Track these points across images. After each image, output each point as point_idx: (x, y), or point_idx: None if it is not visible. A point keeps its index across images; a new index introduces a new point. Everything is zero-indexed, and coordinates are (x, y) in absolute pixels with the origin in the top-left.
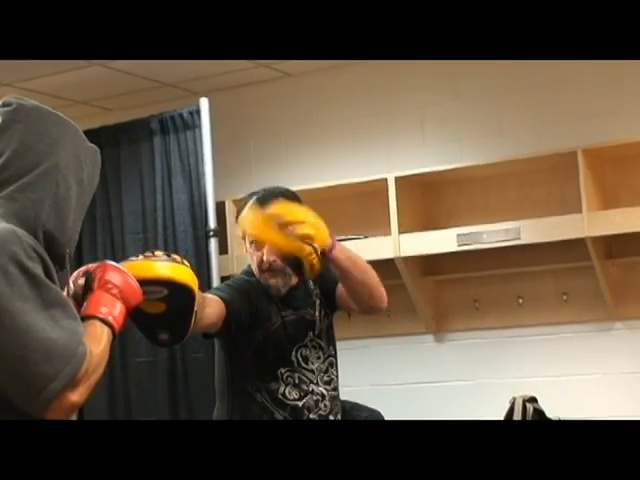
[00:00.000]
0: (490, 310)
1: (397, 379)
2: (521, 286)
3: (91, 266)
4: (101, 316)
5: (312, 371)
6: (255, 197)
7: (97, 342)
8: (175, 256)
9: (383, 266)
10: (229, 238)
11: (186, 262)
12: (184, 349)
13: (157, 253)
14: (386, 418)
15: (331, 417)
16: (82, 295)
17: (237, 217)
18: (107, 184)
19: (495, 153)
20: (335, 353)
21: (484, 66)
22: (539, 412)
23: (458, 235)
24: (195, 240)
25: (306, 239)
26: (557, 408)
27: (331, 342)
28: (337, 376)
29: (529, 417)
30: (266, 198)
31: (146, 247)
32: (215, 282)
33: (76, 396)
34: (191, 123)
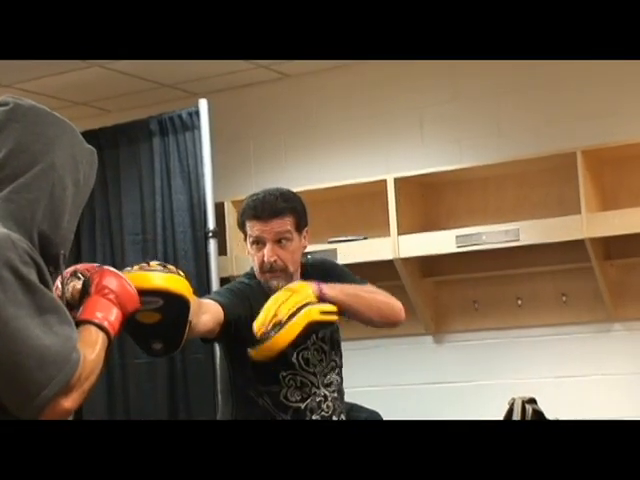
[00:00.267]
0: (489, 311)
1: (396, 380)
2: (520, 287)
3: (80, 266)
4: (96, 321)
5: (314, 374)
6: (254, 204)
7: (91, 348)
8: (170, 266)
9: (382, 267)
10: (228, 239)
11: (181, 272)
12: (184, 350)
13: (152, 264)
14: (385, 419)
15: (334, 418)
16: (79, 299)
17: (238, 218)
18: (106, 185)
19: (494, 154)
20: (340, 359)
21: (483, 67)
22: (538, 413)
23: (457, 236)
24: (194, 241)
25: (297, 308)
26: (556, 409)
27: (335, 348)
28: (340, 382)
29: (528, 418)
30: (265, 209)
31: (145, 248)
32: (214, 283)
33: (69, 402)
34: (190, 124)
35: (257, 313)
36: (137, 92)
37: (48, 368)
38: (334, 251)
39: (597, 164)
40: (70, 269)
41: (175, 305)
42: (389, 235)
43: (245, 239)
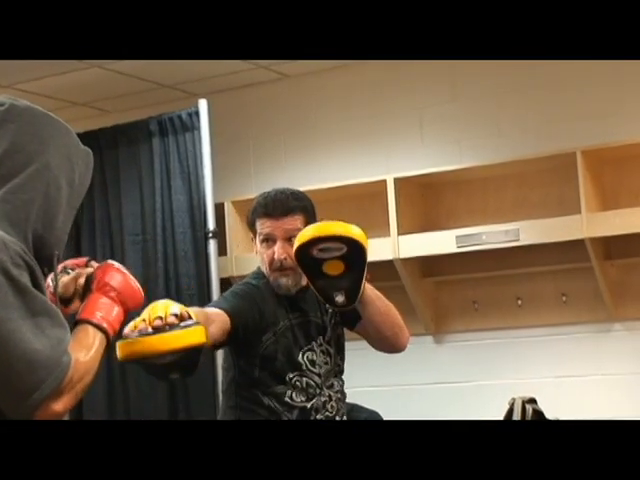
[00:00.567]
0: (489, 311)
1: (396, 380)
2: (520, 287)
3: (69, 262)
4: (95, 322)
5: (319, 375)
6: (265, 202)
7: (86, 349)
8: (182, 309)
9: (382, 267)
10: (228, 239)
11: (192, 313)
12: None
13: (169, 320)
14: (385, 419)
15: (337, 418)
16: (82, 295)
17: (248, 217)
18: (106, 186)
19: (494, 154)
20: (343, 364)
21: (483, 67)
22: (538, 413)
23: (457, 236)
24: (194, 241)
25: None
26: (556, 409)
27: (340, 352)
28: (342, 385)
29: (528, 418)
30: (277, 207)
31: (145, 249)
32: (214, 283)
33: (60, 405)
34: (190, 125)
35: (264, 314)
36: (137, 93)
37: (38, 371)
38: None
39: (597, 164)
40: (60, 264)
41: (193, 353)
42: (389, 235)
43: (253, 238)
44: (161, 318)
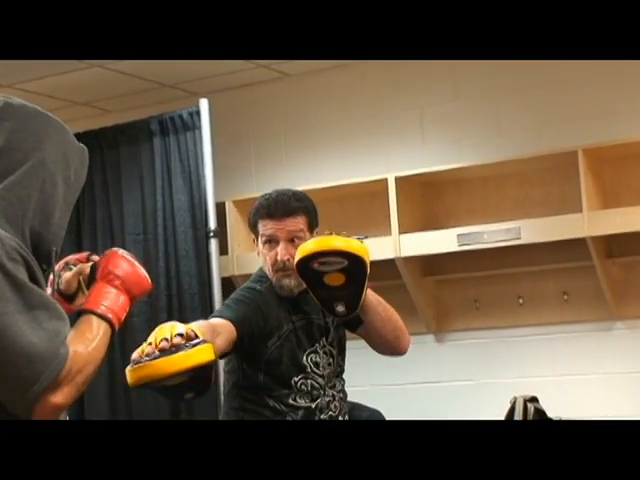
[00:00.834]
0: (490, 310)
1: (398, 379)
2: (521, 286)
3: (71, 257)
4: (98, 311)
5: (322, 376)
6: (267, 203)
7: (88, 340)
8: (189, 332)
9: (383, 266)
10: (229, 239)
11: (197, 331)
12: None
13: (175, 341)
14: (387, 418)
15: (340, 418)
16: (87, 285)
17: (250, 218)
18: (107, 185)
19: (495, 153)
20: (344, 364)
21: (484, 66)
22: (540, 412)
23: (458, 235)
24: (195, 241)
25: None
26: (558, 408)
27: (342, 353)
28: (343, 384)
29: (530, 417)
30: (279, 208)
31: (146, 248)
32: (215, 283)
33: (59, 397)
34: (191, 124)
35: (268, 319)
36: (138, 92)
37: (36, 364)
38: None
39: (598, 162)
40: (62, 261)
41: (203, 371)
42: (390, 234)
43: (255, 239)
44: (167, 340)
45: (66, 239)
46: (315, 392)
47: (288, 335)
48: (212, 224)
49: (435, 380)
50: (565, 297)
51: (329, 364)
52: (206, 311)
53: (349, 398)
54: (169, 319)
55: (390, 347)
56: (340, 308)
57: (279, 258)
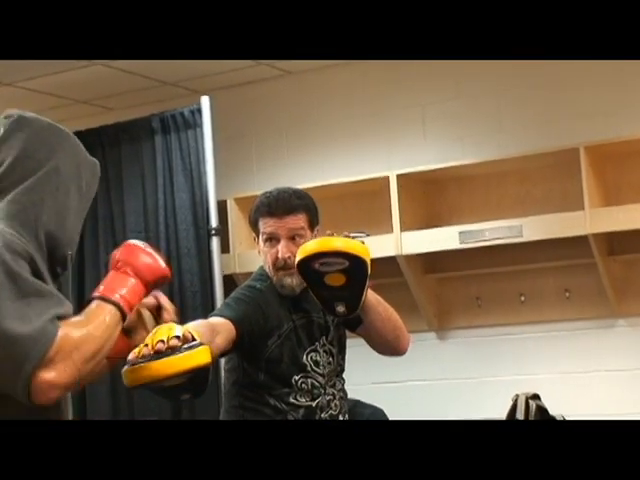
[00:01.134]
0: (492, 307)
1: (399, 377)
2: (523, 283)
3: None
4: (101, 295)
5: (322, 375)
6: (268, 201)
7: (86, 320)
8: (186, 334)
9: (385, 264)
10: (231, 236)
11: (195, 333)
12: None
13: (171, 343)
14: (389, 416)
15: (340, 417)
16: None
17: (250, 216)
18: (109, 183)
19: (497, 150)
20: (344, 363)
21: (485, 64)
22: (542, 409)
23: (460, 233)
24: (197, 239)
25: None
26: (560, 405)
27: (342, 352)
28: (343, 383)
29: (532, 414)
30: (279, 206)
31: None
32: (217, 281)
33: (53, 374)
34: (192, 122)
35: (269, 318)
36: (139, 90)
37: (24, 344)
38: None
39: (600, 160)
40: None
41: (201, 373)
42: (392, 232)
43: (256, 238)
44: (163, 342)
45: None
46: (316, 391)
47: (288, 334)
48: (214, 222)
49: (437, 378)
50: (567, 294)
51: (329, 363)
52: (207, 309)
53: (350, 396)
54: None
55: (390, 347)
56: (340, 308)
57: (280, 256)
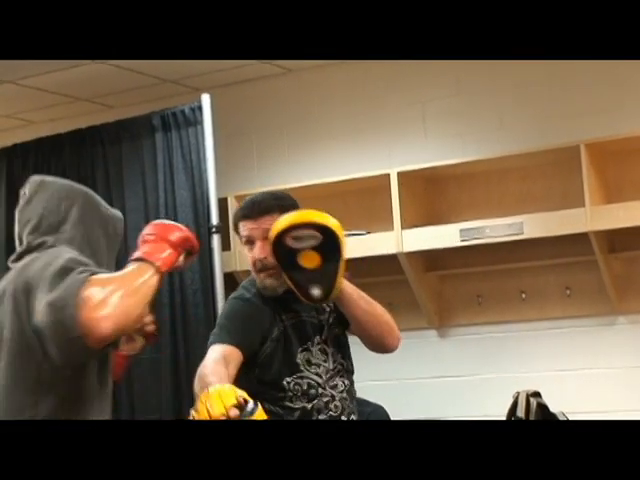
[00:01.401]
0: (493, 305)
1: (400, 374)
2: (524, 281)
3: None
4: (130, 258)
5: (318, 374)
6: (245, 205)
7: (115, 274)
8: (239, 399)
9: (386, 262)
10: (231, 234)
11: (245, 396)
12: (187, 345)
13: (231, 414)
14: (389, 413)
15: (343, 417)
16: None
17: (232, 222)
18: (109, 181)
19: (497, 148)
20: (347, 363)
21: (485, 62)
22: (542, 407)
23: (461, 230)
24: (197, 236)
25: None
26: (560, 403)
27: (342, 351)
28: (349, 385)
29: (532, 412)
30: (254, 209)
31: None
32: (218, 278)
33: (91, 311)
34: (193, 119)
35: (262, 326)
36: (139, 88)
37: (60, 298)
38: None
39: (601, 157)
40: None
41: None
42: (392, 229)
43: (241, 243)
44: (224, 414)
45: None
46: (312, 391)
47: (279, 337)
48: (214, 220)
49: (437, 375)
50: (567, 292)
51: (324, 361)
52: (208, 306)
53: None
54: (172, 315)
55: (375, 343)
56: (315, 291)
57: (256, 257)
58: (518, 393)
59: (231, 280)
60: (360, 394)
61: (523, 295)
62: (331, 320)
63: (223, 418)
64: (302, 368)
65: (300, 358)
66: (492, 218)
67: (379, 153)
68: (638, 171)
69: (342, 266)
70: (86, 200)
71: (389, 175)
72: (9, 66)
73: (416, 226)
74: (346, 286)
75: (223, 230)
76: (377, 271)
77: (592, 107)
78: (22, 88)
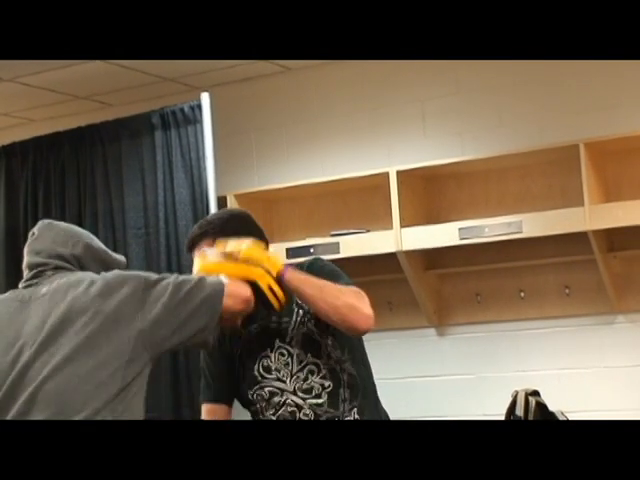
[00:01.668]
0: (492, 304)
1: (399, 373)
2: (523, 280)
3: None
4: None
5: (279, 379)
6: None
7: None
8: None
9: (385, 260)
10: None
11: None
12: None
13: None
14: (388, 412)
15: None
16: None
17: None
18: (108, 179)
19: (496, 146)
20: (323, 360)
21: (485, 60)
22: (541, 406)
23: (460, 229)
24: None
25: (251, 261)
26: (559, 401)
27: (312, 350)
28: (329, 387)
29: (531, 410)
30: (187, 245)
31: (148, 242)
32: None
33: (231, 301)
34: (192, 118)
35: (229, 358)
36: (139, 86)
37: (212, 292)
38: (336, 244)
39: (600, 156)
40: None
41: None
42: (391, 228)
43: None
44: None
45: None
46: (276, 398)
47: (240, 354)
48: None
49: (436, 374)
50: (566, 291)
51: (286, 364)
52: None
53: None
54: None
55: (342, 327)
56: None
57: None
58: (517, 392)
59: None
60: None
61: (522, 294)
62: (299, 320)
63: None
64: (260, 378)
65: (257, 368)
66: (491, 217)
67: (378, 151)
68: (637, 170)
69: (273, 283)
70: (91, 240)
71: (388, 173)
72: (9, 64)
73: (415, 225)
74: (290, 279)
75: None
76: (376, 270)
77: (591, 106)
78: (21, 86)
